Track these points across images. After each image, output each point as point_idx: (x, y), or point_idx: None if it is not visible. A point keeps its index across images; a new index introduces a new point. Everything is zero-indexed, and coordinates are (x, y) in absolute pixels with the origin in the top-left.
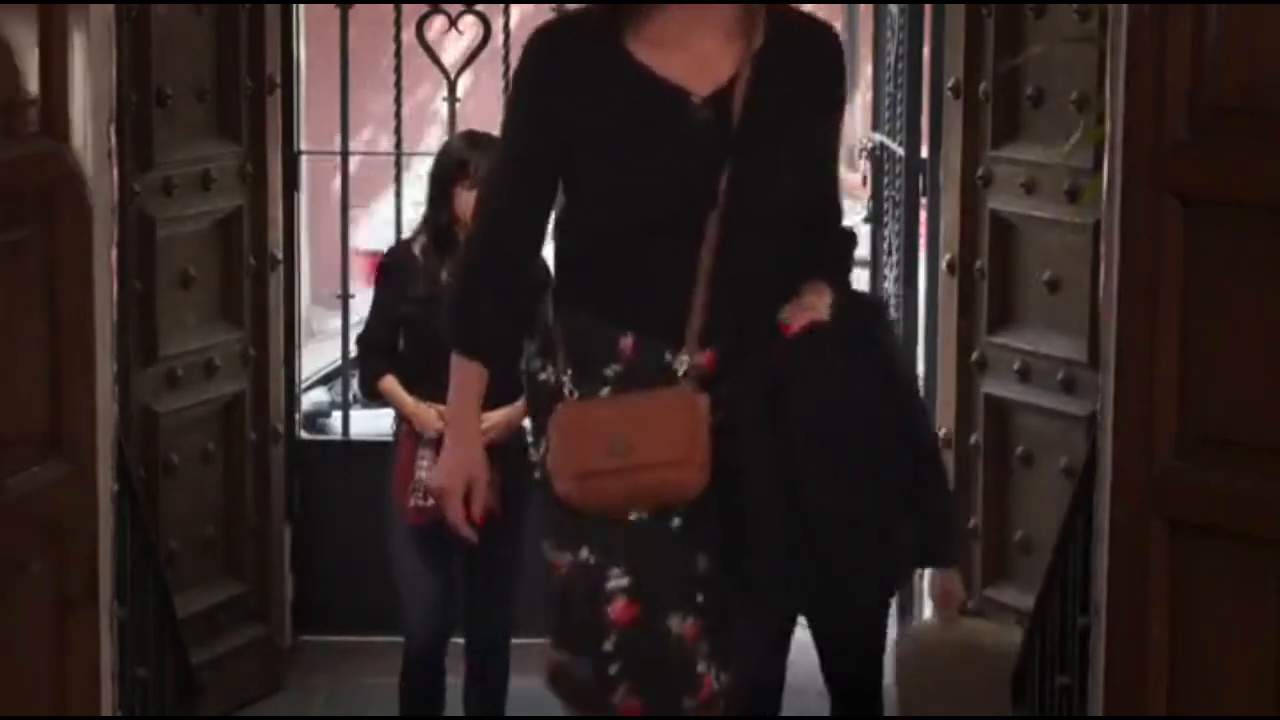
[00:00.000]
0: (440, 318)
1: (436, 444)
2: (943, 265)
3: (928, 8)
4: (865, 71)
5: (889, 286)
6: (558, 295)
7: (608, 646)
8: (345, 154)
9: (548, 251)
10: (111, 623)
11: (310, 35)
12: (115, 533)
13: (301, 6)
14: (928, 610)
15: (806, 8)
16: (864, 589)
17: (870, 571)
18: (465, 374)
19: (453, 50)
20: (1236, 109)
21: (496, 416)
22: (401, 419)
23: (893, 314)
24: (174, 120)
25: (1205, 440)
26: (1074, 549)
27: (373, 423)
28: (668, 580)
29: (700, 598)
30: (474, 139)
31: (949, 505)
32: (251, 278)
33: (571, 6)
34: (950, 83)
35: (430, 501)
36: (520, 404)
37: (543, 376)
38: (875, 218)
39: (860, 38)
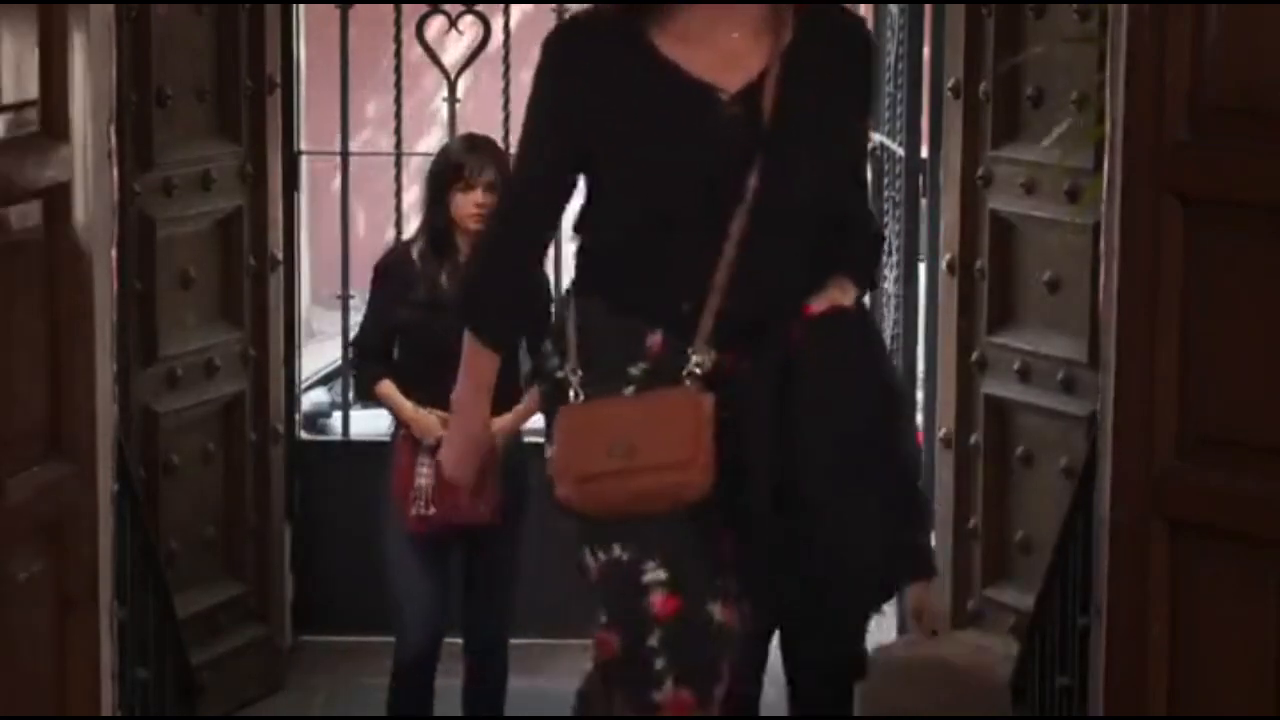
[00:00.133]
0: (441, 322)
1: (435, 450)
2: (943, 265)
3: (928, 8)
4: None
5: (889, 287)
6: (579, 290)
7: (652, 642)
8: (345, 154)
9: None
10: (111, 623)
11: (310, 35)
12: (115, 533)
13: (301, 6)
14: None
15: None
16: (863, 591)
17: (870, 573)
18: (479, 361)
19: (453, 50)
20: (1236, 109)
21: (498, 423)
22: (399, 424)
23: (893, 314)
24: (174, 120)
25: (1205, 440)
26: (1074, 549)
27: (373, 423)
28: (702, 566)
29: (728, 583)
30: (472, 142)
31: (929, 516)
32: (251, 278)
33: (572, 6)
34: (950, 83)
35: (432, 510)
36: (519, 409)
37: (560, 374)
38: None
39: None
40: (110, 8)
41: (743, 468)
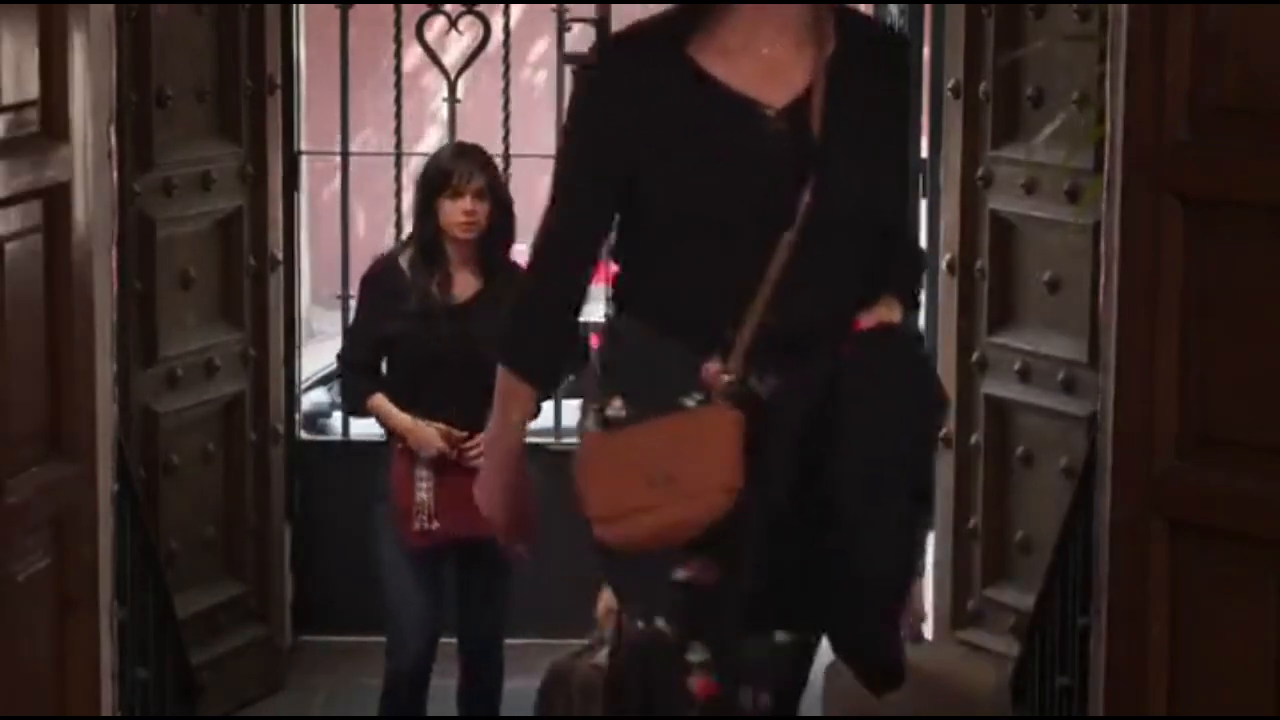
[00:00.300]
0: (433, 331)
1: (434, 463)
2: (943, 265)
3: (928, 8)
4: None
5: None
6: (621, 315)
7: (693, 712)
8: (345, 154)
9: None
10: (111, 623)
11: (310, 35)
12: (115, 533)
13: (301, 6)
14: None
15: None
16: (892, 598)
17: (896, 579)
18: (516, 397)
19: (453, 50)
20: (1236, 109)
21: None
22: (394, 436)
23: None
24: (174, 121)
25: (1205, 440)
26: (1074, 549)
27: (372, 424)
28: (743, 647)
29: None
30: (460, 149)
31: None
32: (251, 278)
33: (572, 7)
34: (950, 83)
35: (436, 524)
36: None
37: (606, 411)
38: None
39: None
40: (110, 8)
41: (769, 481)
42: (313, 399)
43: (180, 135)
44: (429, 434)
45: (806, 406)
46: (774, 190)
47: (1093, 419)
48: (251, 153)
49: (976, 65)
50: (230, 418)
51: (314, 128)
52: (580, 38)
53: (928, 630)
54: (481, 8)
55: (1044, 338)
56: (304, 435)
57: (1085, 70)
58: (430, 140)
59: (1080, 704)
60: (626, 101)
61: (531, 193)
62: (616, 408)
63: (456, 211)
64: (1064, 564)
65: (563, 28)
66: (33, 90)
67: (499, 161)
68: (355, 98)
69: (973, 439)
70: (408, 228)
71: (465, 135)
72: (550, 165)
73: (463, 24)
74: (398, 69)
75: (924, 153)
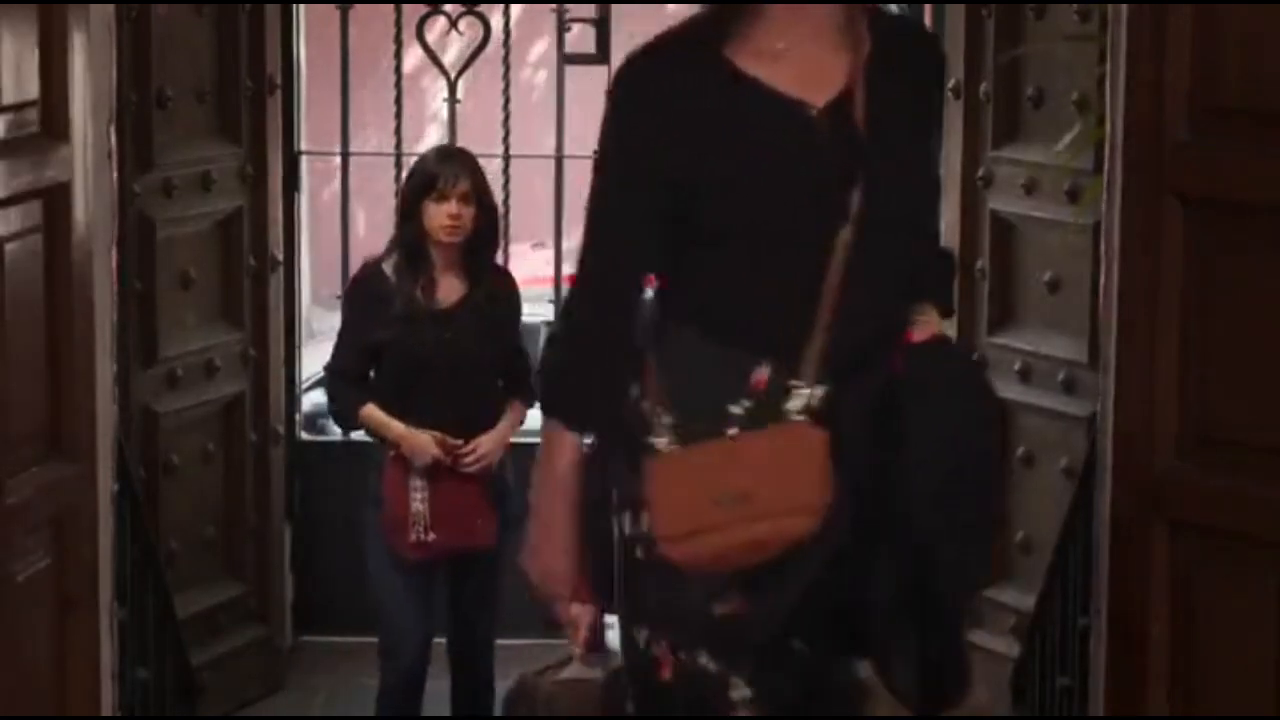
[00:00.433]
0: (420, 336)
1: (429, 472)
2: None
3: (928, 8)
4: None
5: None
6: (672, 317)
7: None
8: (345, 154)
9: None
10: (111, 623)
11: (310, 35)
12: (115, 533)
13: (301, 6)
14: None
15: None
16: (960, 606)
17: (963, 587)
18: (560, 448)
19: (453, 50)
20: (1236, 109)
21: (486, 443)
22: (386, 445)
23: None
24: (174, 121)
25: (1205, 440)
26: (1074, 549)
27: None
28: (797, 692)
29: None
30: (445, 153)
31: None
32: (251, 278)
33: (571, 7)
34: (950, 83)
35: (433, 536)
36: (504, 425)
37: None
38: None
39: None
40: (110, 8)
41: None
42: (313, 399)
43: (180, 135)
44: (423, 441)
45: (865, 420)
46: (824, 190)
47: (1093, 419)
48: (251, 153)
49: (977, 65)
50: (230, 418)
51: (314, 128)
52: (580, 38)
53: None
54: (481, 8)
55: (1044, 338)
56: (304, 435)
57: (1085, 70)
58: (430, 140)
59: (1080, 704)
60: (664, 106)
61: (531, 193)
62: (664, 421)
63: (441, 215)
64: (1064, 564)
65: (563, 28)
66: (33, 90)
67: (499, 162)
68: (355, 98)
69: None
70: None
71: (465, 135)
72: (550, 165)
73: (463, 24)
74: (398, 69)
75: None
